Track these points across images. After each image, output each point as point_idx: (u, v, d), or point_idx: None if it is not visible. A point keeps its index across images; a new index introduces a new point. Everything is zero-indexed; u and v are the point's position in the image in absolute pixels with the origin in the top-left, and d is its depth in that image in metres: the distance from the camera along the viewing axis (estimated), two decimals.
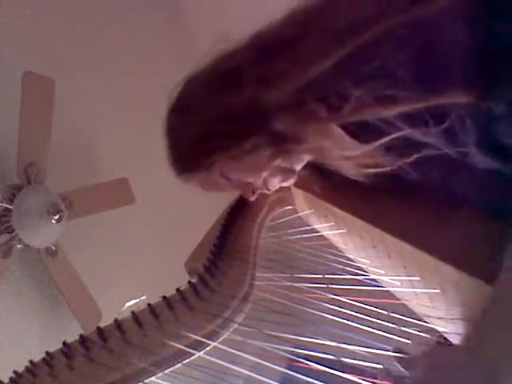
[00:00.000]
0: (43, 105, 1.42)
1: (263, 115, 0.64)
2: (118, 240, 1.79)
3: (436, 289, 0.57)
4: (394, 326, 0.61)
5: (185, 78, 0.75)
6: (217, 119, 0.68)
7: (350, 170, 0.68)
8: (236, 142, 0.68)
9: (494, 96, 0.47)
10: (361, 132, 0.61)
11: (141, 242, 1.87)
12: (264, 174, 0.74)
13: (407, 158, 0.57)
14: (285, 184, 0.78)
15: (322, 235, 0.83)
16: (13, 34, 1.54)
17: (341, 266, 0.72)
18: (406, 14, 0.49)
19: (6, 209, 1.36)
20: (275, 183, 0.77)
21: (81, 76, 1.73)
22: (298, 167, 0.75)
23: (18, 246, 1.39)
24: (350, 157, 0.65)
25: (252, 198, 0.80)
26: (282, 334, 0.57)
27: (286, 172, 0.74)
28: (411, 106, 0.51)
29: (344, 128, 0.64)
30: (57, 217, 1.40)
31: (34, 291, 1.52)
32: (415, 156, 0.57)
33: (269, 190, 0.77)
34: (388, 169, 0.61)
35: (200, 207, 1.78)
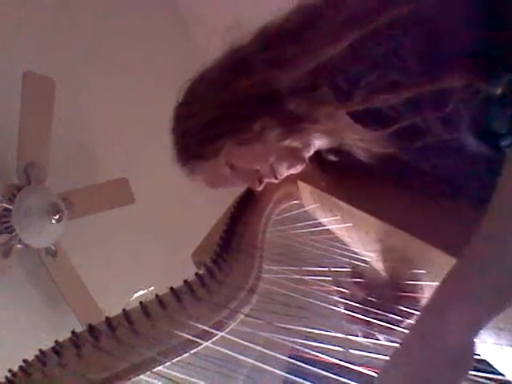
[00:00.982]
0: (43, 105, 1.42)
1: (274, 96, 0.64)
2: (118, 240, 1.79)
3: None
4: (399, 318, 0.62)
5: (193, 76, 0.76)
6: (226, 103, 0.68)
7: (361, 151, 0.68)
8: (245, 124, 0.68)
9: (493, 78, 0.48)
10: (367, 118, 0.62)
11: (141, 242, 1.86)
12: (272, 159, 0.73)
13: (410, 143, 0.58)
14: (292, 171, 0.77)
15: (328, 229, 0.83)
16: (13, 34, 1.55)
17: (346, 260, 0.73)
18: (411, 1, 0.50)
19: (6, 209, 1.36)
20: (283, 170, 0.75)
21: (81, 76, 1.73)
22: (307, 154, 0.74)
23: (18, 245, 1.39)
24: (360, 139, 0.65)
25: (259, 188, 0.79)
26: (289, 326, 0.57)
27: (294, 155, 0.73)
28: (415, 90, 0.52)
29: (351, 114, 0.64)
30: (57, 217, 1.40)
31: (33, 291, 1.52)
32: (417, 142, 0.58)
33: (276, 178, 0.76)
34: (392, 151, 0.62)
35: (200, 207, 1.78)
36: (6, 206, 1.37)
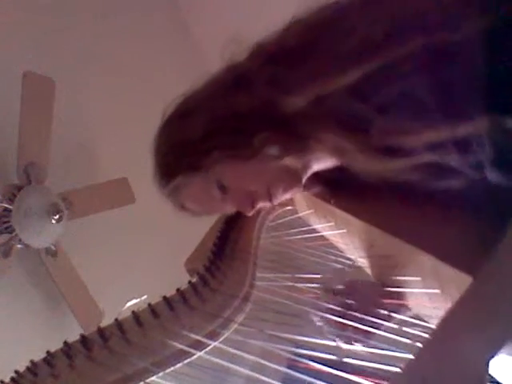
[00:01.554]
0: (43, 105, 1.42)
1: (276, 114, 0.61)
2: (118, 240, 1.79)
3: (436, 289, 0.58)
4: (394, 325, 0.62)
5: (186, 91, 0.72)
6: (225, 116, 0.65)
7: (368, 175, 0.62)
8: (243, 138, 0.64)
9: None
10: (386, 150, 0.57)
11: (141, 242, 1.87)
12: (268, 180, 0.68)
13: (431, 180, 0.56)
14: (289, 194, 0.71)
15: (322, 235, 0.82)
16: (13, 34, 1.54)
17: (341, 266, 0.72)
18: (426, 37, 0.48)
19: (6, 209, 1.37)
20: (279, 192, 0.69)
21: (81, 76, 1.73)
22: (304, 176, 0.69)
23: (18, 245, 1.39)
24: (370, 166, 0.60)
25: (251, 213, 0.72)
26: (283, 334, 0.57)
27: (293, 177, 0.68)
28: (437, 135, 0.50)
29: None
30: (57, 217, 1.41)
31: (33, 291, 1.52)
32: (439, 181, 0.55)
33: (271, 201, 0.70)
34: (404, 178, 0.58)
35: None
36: (6, 206, 1.37)
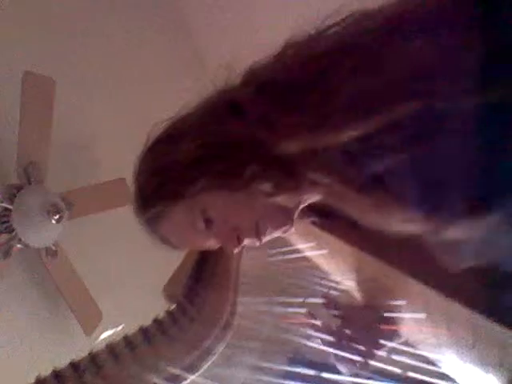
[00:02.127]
0: (43, 105, 1.42)
1: (267, 149, 0.57)
2: (117, 240, 1.78)
3: (421, 313, 0.56)
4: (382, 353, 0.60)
5: (173, 116, 0.67)
6: (215, 144, 0.60)
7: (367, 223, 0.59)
8: (234, 168, 0.59)
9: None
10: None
11: (141, 242, 1.86)
12: (257, 214, 0.62)
13: None
14: (278, 233, 0.65)
15: (304, 256, 0.77)
16: (13, 34, 1.54)
17: (324, 289, 0.69)
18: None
19: (6, 209, 1.37)
20: (268, 230, 0.63)
21: (81, 76, 1.73)
22: (296, 213, 0.65)
23: (18, 245, 1.39)
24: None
25: (236, 249, 0.65)
26: (266, 363, 0.55)
27: (284, 215, 0.63)
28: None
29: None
30: (57, 217, 1.41)
31: (33, 291, 1.52)
32: None
33: (259, 239, 0.64)
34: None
35: None
36: (6, 206, 1.37)
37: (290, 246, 0.78)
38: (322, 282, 0.71)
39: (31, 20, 1.62)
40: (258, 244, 0.65)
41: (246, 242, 0.65)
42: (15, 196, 1.37)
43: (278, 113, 0.56)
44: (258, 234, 0.63)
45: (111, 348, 0.48)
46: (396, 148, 0.49)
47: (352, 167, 0.53)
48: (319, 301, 0.67)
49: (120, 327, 0.63)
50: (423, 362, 0.57)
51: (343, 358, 0.59)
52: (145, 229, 0.71)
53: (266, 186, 0.60)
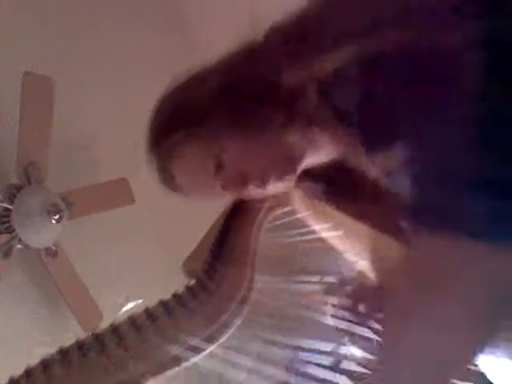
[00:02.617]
0: (43, 105, 1.42)
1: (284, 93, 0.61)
2: (118, 240, 1.79)
3: None
4: None
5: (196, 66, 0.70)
6: (239, 82, 0.63)
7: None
8: (254, 106, 0.62)
9: None
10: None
11: (140, 242, 1.86)
12: (266, 160, 0.66)
13: None
14: (282, 184, 0.69)
15: (320, 237, 0.82)
16: (13, 34, 1.54)
17: (339, 269, 0.72)
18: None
19: (6, 209, 1.37)
20: (273, 178, 0.67)
21: (81, 76, 1.73)
22: (299, 166, 0.68)
23: (18, 246, 1.39)
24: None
25: (238, 196, 0.71)
26: (281, 338, 0.57)
27: (288, 163, 0.66)
28: None
29: None
30: (57, 217, 1.41)
31: (34, 291, 1.53)
32: None
33: (264, 185, 0.67)
34: None
35: (201, 207, 1.77)
36: (6, 206, 1.37)
37: (307, 227, 0.82)
38: (338, 262, 0.73)
39: (31, 20, 1.62)
40: (260, 194, 0.69)
41: (251, 188, 0.67)
42: (15, 196, 1.37)
43: (300, 45, 0.59)
44: (263, 180, 0.66)
45: (133, 320, 0.51)
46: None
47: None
48: (335, 280, 0.70)
49: (140, 301, 0.65)
50: None
51: (359, 337, 0.62)
52: (155, 165, 0.72)
53: (280, 120, 0.62)
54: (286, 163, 0.67)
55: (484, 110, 0.47)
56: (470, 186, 0.47)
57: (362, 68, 0.52)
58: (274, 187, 0.69)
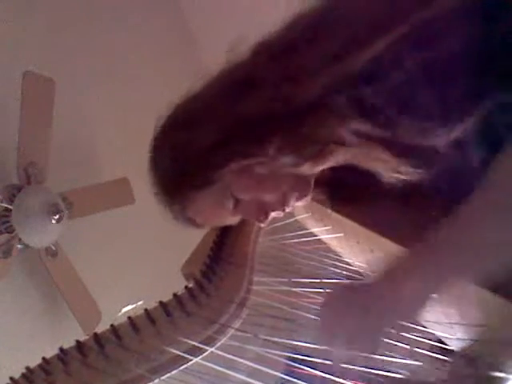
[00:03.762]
0: (43, 105, 1.42)
1: (290, 114, 0.57)
2: (117, 240, 1.79)
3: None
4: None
5: (182, 97, 0.67)
6: (235, 125, 0.60)
7: (385, 172, 0.61)
8: (256, 146, 0.60)
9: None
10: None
11: (140, 243, 1.86)
12: (283, 188, 0.65)
13: (428, 169, 0.56)
14: (301, 202, 0.68)
15: (319, 239, 0.82)
16: (13, 34, 1.54)
17: (338, 270, 0.72)
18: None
19: (6, 209, 1.37)
20: (293, 200, 0.66)
21: (81, 76, 1.73)
22: (313, 180, 0.67)
23: (18, 245, 1.39)
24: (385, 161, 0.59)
25: (265, 222, 0.69)
26: (280, 340, 0.57)
27: (306, 184, 0.65)
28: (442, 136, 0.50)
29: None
30: (57, 217, 1.41)
31: (34, 291, 1.53)
32: (435, 167, 0.55)
33: (284, 209, 0.67)
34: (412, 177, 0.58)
35: None
36: (6, 205, 1.37)
37: (306, 229, 0.82)
38: (336, 263, 0.74)
39: (31, 20, 1.62)
40: (282, 215, 0.69)
41: (274, 213, 0.68)
42: (15, 196, 1.37)
43: (293, 60, 0.56)
44: (284, 205, 0.67)
45: (132, 321, 0.51)
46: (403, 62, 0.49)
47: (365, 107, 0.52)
48: (333, 281, 0.70)
49: (140, 302, 0.65)
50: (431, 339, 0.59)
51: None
52: (169, 215, 0.72)
53: (290, 159, 0.61)
54: (302, 184, 0.66)
55: None
56: None
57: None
58: (295, 205, 0.69)
